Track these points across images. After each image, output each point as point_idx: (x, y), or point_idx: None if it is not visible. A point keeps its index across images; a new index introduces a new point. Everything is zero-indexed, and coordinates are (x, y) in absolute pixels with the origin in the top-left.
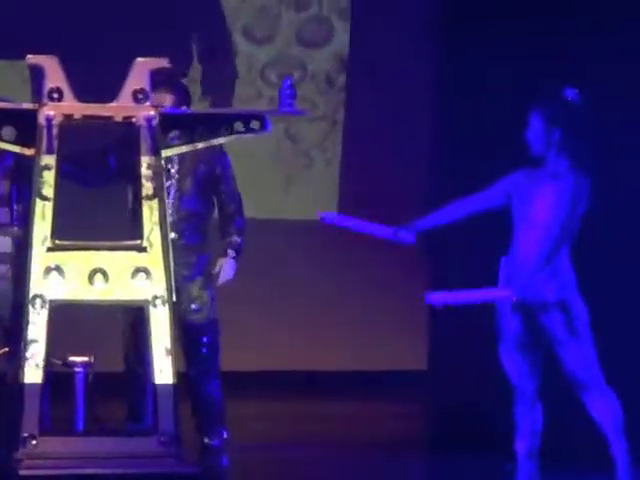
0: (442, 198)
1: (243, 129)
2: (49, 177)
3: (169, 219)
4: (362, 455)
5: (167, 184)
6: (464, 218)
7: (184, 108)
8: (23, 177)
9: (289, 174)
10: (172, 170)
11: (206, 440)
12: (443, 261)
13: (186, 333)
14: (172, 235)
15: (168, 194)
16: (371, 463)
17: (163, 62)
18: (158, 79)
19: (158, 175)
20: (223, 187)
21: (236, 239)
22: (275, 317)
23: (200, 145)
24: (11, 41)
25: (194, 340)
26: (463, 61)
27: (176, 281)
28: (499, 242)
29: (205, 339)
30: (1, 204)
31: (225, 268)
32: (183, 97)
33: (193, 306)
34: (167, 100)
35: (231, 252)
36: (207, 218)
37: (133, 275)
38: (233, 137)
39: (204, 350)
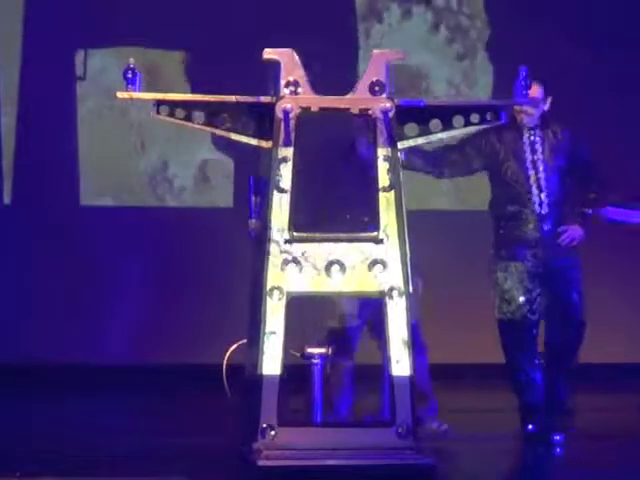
0: None
1: (478, 120)
2: (286, 169)
3: (544, 211)
4: None
5: (538, 177)
6: None
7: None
8: (260, 169)
9: None
10: (538, 162)
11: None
12: None
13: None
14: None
15: (539, 186)
16: None
17: (400, 54)
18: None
19: (394, 167)
20: (586, 173)
21: (587, 210)
22: None
23: (437, 137)
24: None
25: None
26: None
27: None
28: None
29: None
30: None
31: (571, 231)
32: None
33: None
34: (539, 92)
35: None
36: (567, 209)
37: (370, 267)
38: (468, 129)
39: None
